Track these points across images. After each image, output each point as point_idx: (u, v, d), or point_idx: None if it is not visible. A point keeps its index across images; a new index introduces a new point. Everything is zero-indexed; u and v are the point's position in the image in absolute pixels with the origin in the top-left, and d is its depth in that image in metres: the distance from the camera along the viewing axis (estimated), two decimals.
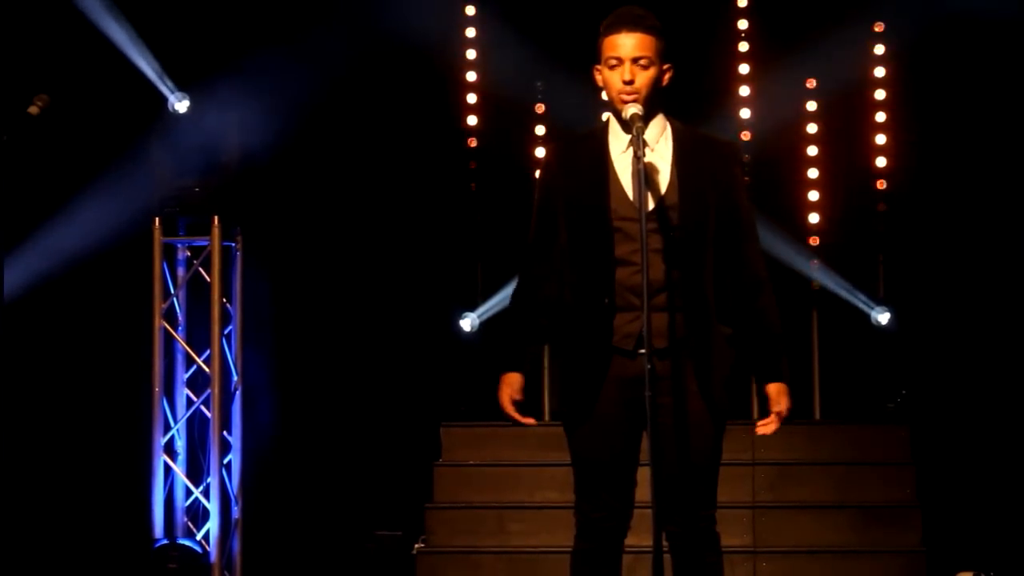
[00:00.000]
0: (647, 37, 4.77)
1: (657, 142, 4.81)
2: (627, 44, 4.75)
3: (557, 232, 4.85)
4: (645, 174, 4.66)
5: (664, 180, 4.79)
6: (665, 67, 4.82)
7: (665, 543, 4.70)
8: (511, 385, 4.90)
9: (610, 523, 4.78)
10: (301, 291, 8.90)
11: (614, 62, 4.78)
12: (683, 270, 4.73)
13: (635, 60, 4.75)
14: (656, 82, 4.78)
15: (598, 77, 4.85)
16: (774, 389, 4.86)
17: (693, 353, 4.74)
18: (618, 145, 4.83)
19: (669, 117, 4.87)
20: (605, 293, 4.75)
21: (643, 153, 4.63)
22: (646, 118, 4.75)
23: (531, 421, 4.92)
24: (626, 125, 4.76)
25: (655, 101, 4.80)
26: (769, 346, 4.84)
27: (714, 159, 4.84)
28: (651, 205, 4.73)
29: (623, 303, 4.75)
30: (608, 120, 4.89)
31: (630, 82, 4.74)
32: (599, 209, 4.77)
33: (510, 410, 4.90)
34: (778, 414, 4.85)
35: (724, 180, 4.83)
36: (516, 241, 5.04)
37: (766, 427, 4.88)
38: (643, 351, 4.64)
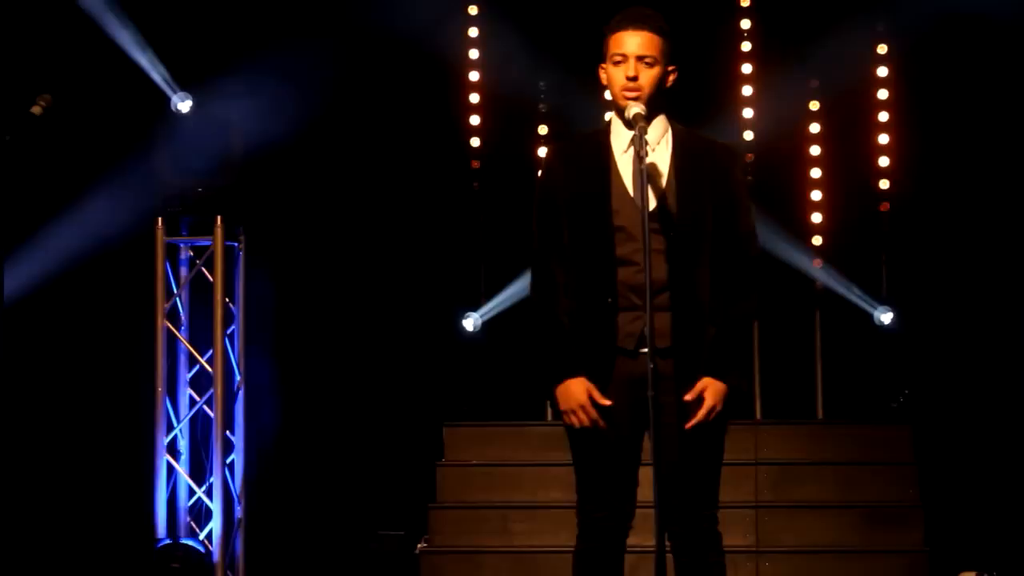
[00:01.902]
0: (654, 36, 4.78)
1: (658, 143, 4.81)
2: (633, 42, 4.77)
3: (561, 233, 4.83)
4: (647, 174, 4.66)
5: (665, 181, 4.79)
6: (670, 68, 4.82)
7: (667, 543, 4.70)
8: (583, 387, 4.70)
9: (612, 523, 4.78)
10: (304, 291, 8.90)
11: (619, 58, 4.78)
12: (680, 271, 4.73)
13: (640, 58, 4.76)
14: (660, 82, 4.79)
15: (603, 75, 4.86)
16: (703, 383, 4.70)
17: (696, 353, 4.74)
18: (620, 145, 4.83)
19: (671, 119, 4.87)
20: (608, 293, 4.75)
21: (645, 152, 4.63)
22: (648, 118, 4.75)
23: (603, 425, 4.73)
24: (629, 124, 4.77)
25: (658, 102, 4.80)
26: (722, 345, 4.75)
27: (714, 162, 4.84)
28: (652, 205, 4.73)
29: (625, 303, 4.75)
30: (610, 120, 4.89)
31: (634, 78, 4.75)
32: (601, 208, 4.77)
33: (592, 413, 4.69)
34: (707, 410, 4.69)
35: (723, 184, 4.82)
36: (519, 241, 5.03)
37: (687, 423, 4.69)
38: (644, 350, 4.66)
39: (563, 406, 4.75)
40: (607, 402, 4.69)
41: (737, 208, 4.83)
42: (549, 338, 4.79)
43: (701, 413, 4.70)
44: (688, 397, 4.70)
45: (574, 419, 4.72)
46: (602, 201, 4.78)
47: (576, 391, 4.71)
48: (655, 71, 4.78)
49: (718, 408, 4.71)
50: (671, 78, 4.83)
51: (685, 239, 4.74)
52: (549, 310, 4.81)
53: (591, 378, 4.74)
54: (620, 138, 4.84)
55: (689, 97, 5.66)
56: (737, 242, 4.81)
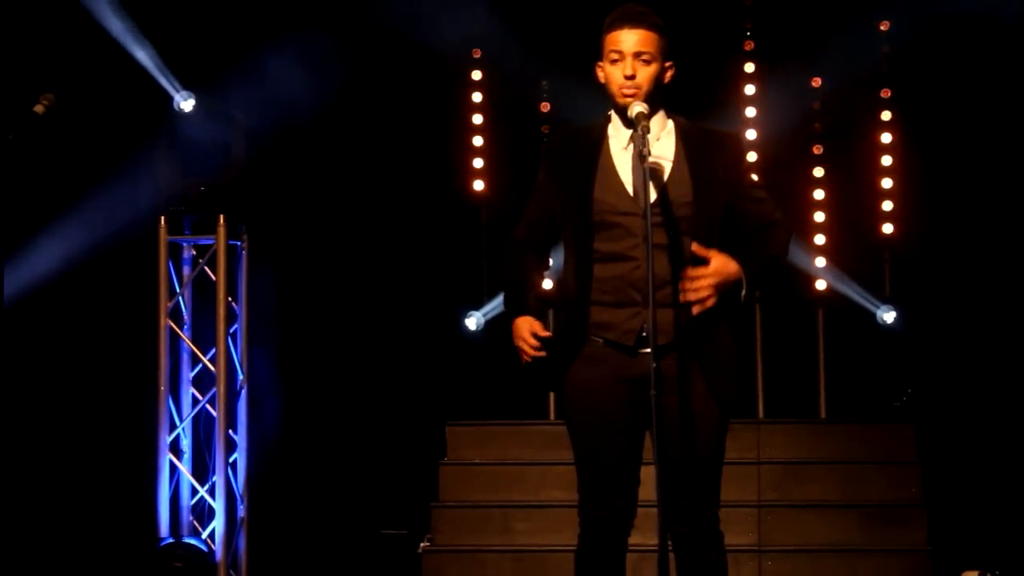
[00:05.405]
0: (649, 33, 4.78)
1: (658, 138, 4.80)
2: (629, 40, 4.77)
3: (545, 221, 4.91)
4: (649, 172, 4.66)
5: (667, 176, 4.78)
6: (667, 64, 4.83)
7: (669, 542, 4.70)
8: (527, 323, 4.83)
9: (613, 521, 4.78)
10: (306, 290, 8.90)
11: (615, 56, 4.79)
12: (683, 267, 4.72)
13: (637, 55, 4.76)
14: (657, 79, 4.79)
15: (600, 74, 4.86)
16: (716, 255, 4.67)
17: (697, 350, 4.73)
18: (619, 141, 4.84)
19: (671, 113, 4.87)
20: (583, 283, 4.76)
21: (648, 151, 4.62)
22: (648, 116, 4.74)
23: (542, 354, 4.86)
24: (629, 122, 4.77)
25: (656, 98, 4.80)
26: (754, 243, 4.79)
27: (721, 152, 4.85)
28: (653, 201, 4.71)
29: (624, 299, 4.75)
30: (609, 116, 4.89)
31: (631, 77, 4.76)
32: (583, 201, 4.78)
33: (532, 342, 4.80)
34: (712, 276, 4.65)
35: (732, 172, 4.83)
36: None
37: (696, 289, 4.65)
38: (645, 350, 4.66)
39: (514, 342, 4.89)
40: (546, 333, 4.81)
41: (751, 189, 4.87)
42: (507, 288, 4.96)
43: (700, 280, 4.62)
44: (695, 248, 4.65)
45: (522, 354, 4.86)
46: (584, 193, 4.79)
47: (520, 328, 4.84)
48: (652, 68, 4.78)
49: (714, 281, 4.62)
50: (669, 74, 4.84)
51: (700, 232, 4.73)
52: (512, 265, 4.95)
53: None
54: (619, 134, 4.84)
55: (692, 96, 5.65)
56: (760, 214, 4.83)
